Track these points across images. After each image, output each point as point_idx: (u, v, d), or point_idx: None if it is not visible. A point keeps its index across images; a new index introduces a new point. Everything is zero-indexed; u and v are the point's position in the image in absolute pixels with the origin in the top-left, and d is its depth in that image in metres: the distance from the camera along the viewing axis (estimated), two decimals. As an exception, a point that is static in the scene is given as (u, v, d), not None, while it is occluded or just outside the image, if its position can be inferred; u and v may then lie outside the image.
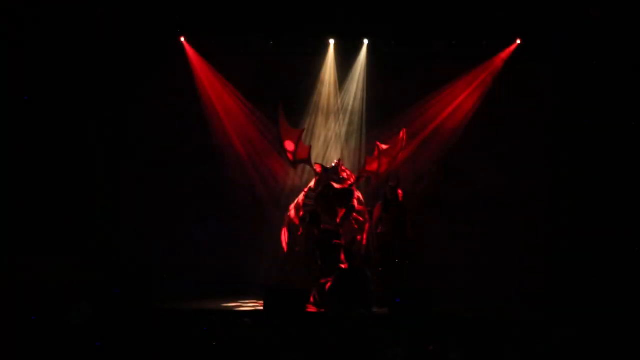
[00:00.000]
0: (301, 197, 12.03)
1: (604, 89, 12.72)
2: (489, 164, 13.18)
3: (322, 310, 10.73)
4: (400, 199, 11.92)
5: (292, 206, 12.09)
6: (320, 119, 13.46)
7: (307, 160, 12.02)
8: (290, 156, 11.98)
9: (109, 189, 13.16)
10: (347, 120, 13.48)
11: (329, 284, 10.85)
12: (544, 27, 12.62)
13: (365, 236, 11.82)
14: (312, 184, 12.05)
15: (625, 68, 12.44)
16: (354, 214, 11.80)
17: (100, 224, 12.96)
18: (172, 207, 13.20)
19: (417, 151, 13.14)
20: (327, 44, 13.18)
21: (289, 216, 12.03)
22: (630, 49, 12.29)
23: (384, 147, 11.95)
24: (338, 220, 11.53)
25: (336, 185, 11.61)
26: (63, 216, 12.73)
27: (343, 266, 11.12)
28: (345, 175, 11.88)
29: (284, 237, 12.04)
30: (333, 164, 11.98)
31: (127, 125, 13.31)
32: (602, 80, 12.70)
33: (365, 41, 13.13)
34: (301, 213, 11.83)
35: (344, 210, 11.53)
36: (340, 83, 13.41)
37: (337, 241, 11.36)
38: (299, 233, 11.84)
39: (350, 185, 11.75)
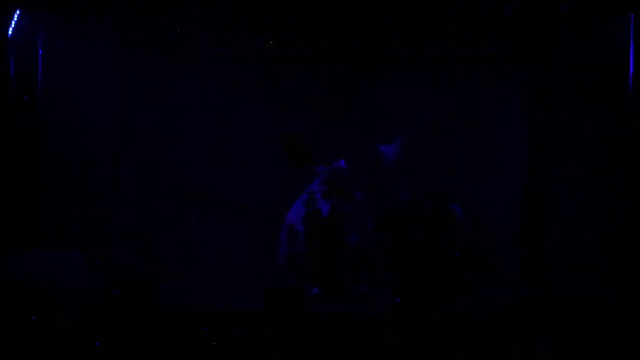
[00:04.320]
0: (302, 197, 12.03)
1: (604, 89, 12.72)
2: (487, 164, 13.19)
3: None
4: None
5: (293, 206, 12.09)
6: (320, 119, 13.46)
7: (308, 160, 12.02)
8: (290, 156, 11.97)
9: (109, 189, 13.16)
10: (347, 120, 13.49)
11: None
12: (542, 28, 12.63)
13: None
14: (312, 184, 12.05)
15: (624, 67, 12.43)
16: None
17: (100, 224, 12.96)
18: (172, 207, 13.21)
19: (417, 151, 13.15)
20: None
21: (290, 216, 12.02)
22: (629, 48, 12.30)
23: (384, 147, 11.94)
24: None
25: (336, 184, 11.61)
26: (63, 216, 12.75)
27: None
28: (345, 175, 11.88)
29: (284, 237, 12.03)
30: (333, 165, 11.99)
31: (127, 125, 13.32)
32: (602, 80, 12.71)
33: (366, 41, 13.15)
34: (302, 213, 11.82)
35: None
36: (340, 83, 13.42)
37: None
38: (300, 233, 11.83)
39: (350, 185, 11.75)
